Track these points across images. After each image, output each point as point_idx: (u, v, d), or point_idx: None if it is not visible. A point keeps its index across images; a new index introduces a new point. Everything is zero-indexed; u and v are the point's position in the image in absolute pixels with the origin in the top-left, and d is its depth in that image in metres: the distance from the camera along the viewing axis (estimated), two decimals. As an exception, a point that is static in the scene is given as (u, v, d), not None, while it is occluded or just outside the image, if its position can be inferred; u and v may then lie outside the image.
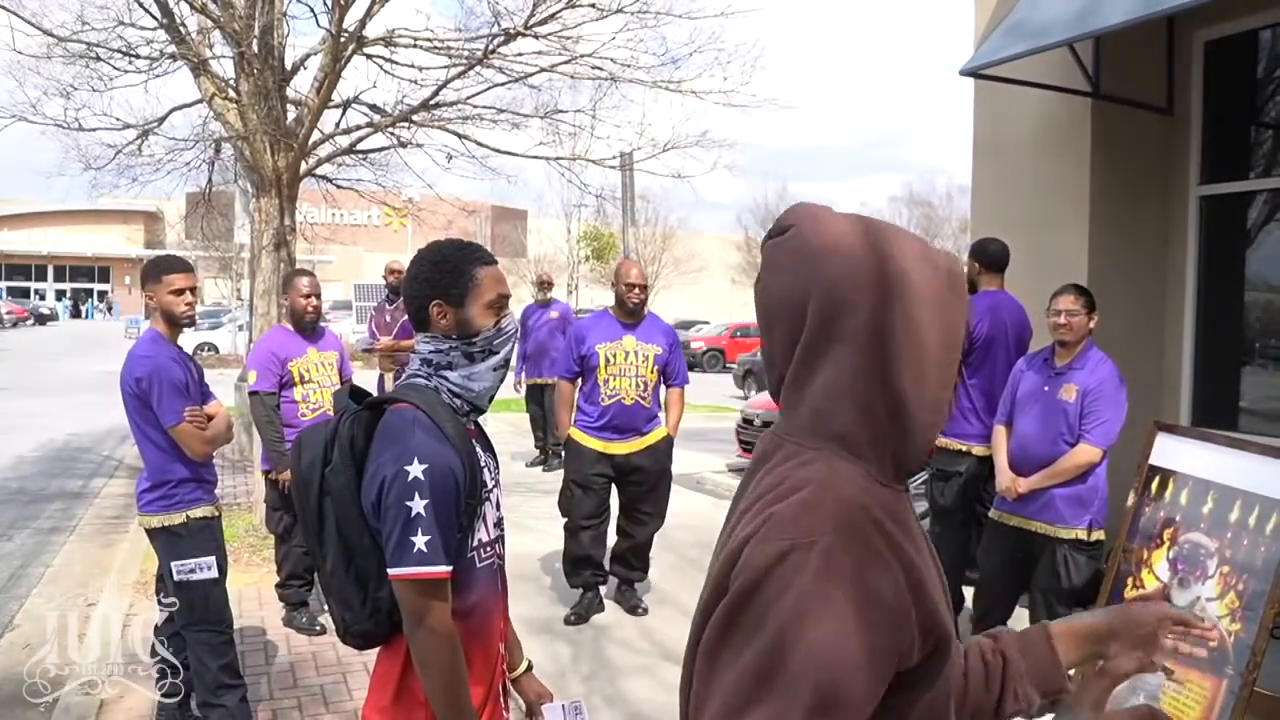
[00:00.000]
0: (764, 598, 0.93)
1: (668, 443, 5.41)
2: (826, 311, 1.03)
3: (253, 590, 5.74)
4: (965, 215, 44.13)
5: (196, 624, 3.65)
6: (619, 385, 5.21)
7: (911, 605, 0.96)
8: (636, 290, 5.26)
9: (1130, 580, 3.37)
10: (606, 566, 5.55)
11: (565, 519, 5.38)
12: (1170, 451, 3.45)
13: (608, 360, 5.19)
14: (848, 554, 0.93)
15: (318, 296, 5.09)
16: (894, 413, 1.03)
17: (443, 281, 1.92)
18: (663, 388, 5.49)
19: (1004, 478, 4.30)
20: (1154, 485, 3.45)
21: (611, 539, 5.58)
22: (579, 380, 5.42)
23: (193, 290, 3.68)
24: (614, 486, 5.42)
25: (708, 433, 14.50)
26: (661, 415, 5.47)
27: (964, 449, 4.83)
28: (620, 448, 5.29)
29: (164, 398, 3.53)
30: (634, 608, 5.51)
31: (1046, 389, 4.19)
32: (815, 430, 1.04)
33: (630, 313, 5.30)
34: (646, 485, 5.36)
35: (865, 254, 1.04)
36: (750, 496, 1.06)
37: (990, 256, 4.94)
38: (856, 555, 0.93)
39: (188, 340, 27.96)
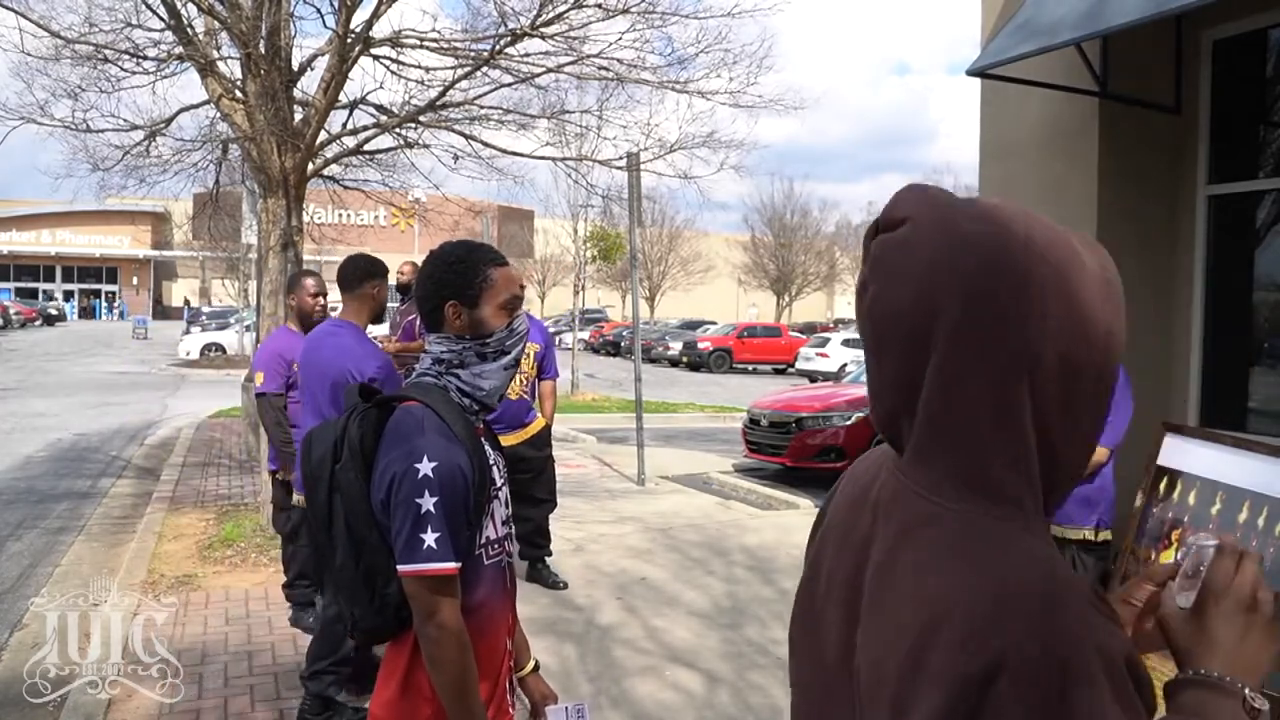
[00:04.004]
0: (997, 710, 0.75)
1: (547, 430, 5.95)
2: (963, 331, 0.83)
3: (260, 590, 5.75)
4: (972, 215, 43.93)
5: None
6: None
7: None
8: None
9: (1138, 581, 3.36)
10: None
11: None
12: (1178, 452, 3.43)
13: None
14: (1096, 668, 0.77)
15: (325, 296, 5.12)
16: (1048, 455, 0.85)
17: (457, 282, 1.93)
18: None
19: None
20: (1161, 486, 3.43)
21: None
22: None
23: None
24: None
25: (715, 433, 14.47)
26: (537, 409, 5.99)
27: None
28: (507, 439, 5.68)
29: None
30: (554, 584, 5.90)
31: None
32: (962, 481, 0.85)
33: None
34: (533, 472, 5.85)
35: (1010, 254, 0.84)
36: (887, 567, 0.87)
37: None
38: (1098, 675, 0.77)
39: (194, 341, 28.10)
